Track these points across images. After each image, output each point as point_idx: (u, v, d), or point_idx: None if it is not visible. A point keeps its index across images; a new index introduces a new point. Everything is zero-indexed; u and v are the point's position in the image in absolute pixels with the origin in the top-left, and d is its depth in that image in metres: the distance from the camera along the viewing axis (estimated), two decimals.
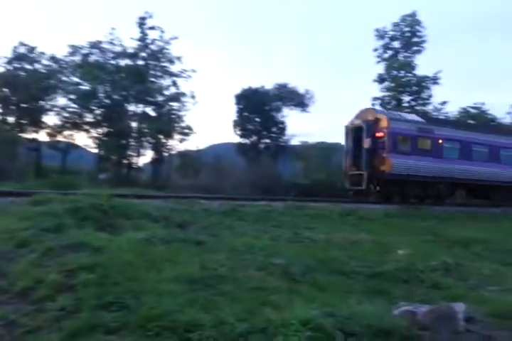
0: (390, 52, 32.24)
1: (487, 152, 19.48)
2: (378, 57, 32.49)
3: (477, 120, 34.19)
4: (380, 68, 32.33)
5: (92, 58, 29.12)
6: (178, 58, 30.24)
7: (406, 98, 32.17)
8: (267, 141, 36.38)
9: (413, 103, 32.21)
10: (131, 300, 3.48)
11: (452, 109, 35.33)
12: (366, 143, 17.06)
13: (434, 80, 31.44)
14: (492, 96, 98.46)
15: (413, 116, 19.74)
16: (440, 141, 18.16)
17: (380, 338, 3.18)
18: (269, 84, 38.35)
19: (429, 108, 32.64)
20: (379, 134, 17.10)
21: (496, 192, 19.70)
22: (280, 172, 32.61)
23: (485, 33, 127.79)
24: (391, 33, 32.06)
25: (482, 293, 4.87)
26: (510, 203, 18.90)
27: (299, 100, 36.66)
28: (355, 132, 17.81)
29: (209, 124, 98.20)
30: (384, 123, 17.11)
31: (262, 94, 35.49)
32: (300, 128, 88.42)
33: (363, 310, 3.63)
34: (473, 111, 35.56)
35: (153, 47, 30.06)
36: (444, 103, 32.63)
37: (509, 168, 19.86)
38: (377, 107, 29.40)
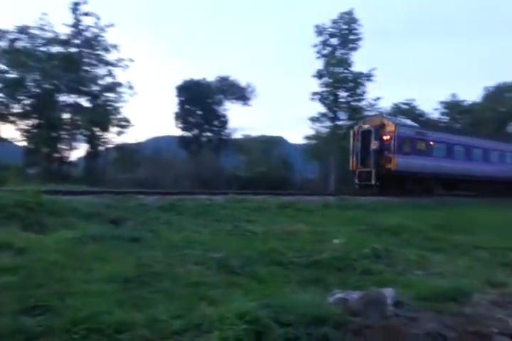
0: (328, 49, 33.17)
1: (463, 151, 23.01)
2: (317, 53, 33.34)
3: (407, 115, 36.30)
4: (319, 64, 33.24)
5: (20, 44, 26.99)
6: (115, 46, 28.97)
7: (343, 93, 33.37)
8: (209, 134, 36.14)
9: (349, 99, 33.48)
10: (57, 303, 3.26)
11: (385, 105, 37.32)
12: (374, 144, 19.72)
13: (368, 77, 32.88)
14: (422, 93, 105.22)
15: (410, 122, 23.06)
16: (432, 143, 21.28)
17: (315, 326, 3.24)
18: (210, 76, 38.14)
19: (364, 103, 34.13)
20: (386, 137, 19.80)
21: (471, 184, 23.06)
22: (222, 165, 32.51)
23: (419, 34, 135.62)
24: (330, 29, 32.98)
25: (409, 277, 5.14)
26: (482, 193, 22.24)
27: (240, 93, 36.73)
28: (363, 135, 20.37)
29: (149, 117, 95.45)
30: (391, 128, 19.90)
31: (203, 86, 35.09)
32: (242, 121, 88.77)
33: (299, 299, 3.68)
34: (404, 106, 37.71)
35: (87, 34, 28.51)
36: (377, 99, 34.30)
37: (480, 165, 23.39)
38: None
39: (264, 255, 5.72)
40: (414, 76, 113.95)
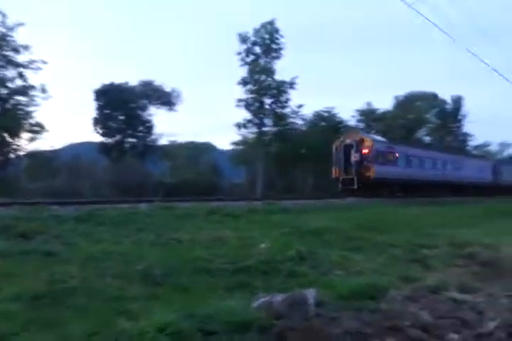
0: (252, 57, 33.78)
1: (418, 160, 28.07)
2: (241, 60, 33.81)
3: (327, 122, 38.10)
4: (244, 71, 33.72)
5: None
6: (25, 47, 26.86)
7: (267, 100, 34.16)
8: (133, 140, 34.87)
9: (274, 106, 34.36)
10: None
11: (308, 112, 38.83)
12: (356, 156, 23.65)
13: (291, 85, 34.01)
14: (341, 101, 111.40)
15: (381, 138, 27.87)
16: (397, 155, 25.99)
17: (239, 332, 3.20)
18: (133, 80, 36.83)
19: (288, 110, 35.20)
20: (365, 151, 23.86)
21: (425, 187, 27.65)
22: (147, 172, 31.53)
23: (337, 45, 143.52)
24: (252, 38, 33.61)
25: (332, 277, 5.31)
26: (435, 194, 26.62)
27: (165, 99, 35.95)
28: (345, 148, 24.36)
29: (66, 122, 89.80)
30: (369, 143, 24.21)
31: (125, 90, 33.79)
32: (168, 127, 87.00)
33: (224, 306, 3.62)
34: (324, 114, 39.52)
35: None
36: (300, 106, 35.58)
37: (431, 171, 28.74)
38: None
39: (190, 263, 5.58)
40: (334, 85, 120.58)
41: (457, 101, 48.37)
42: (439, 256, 6.59)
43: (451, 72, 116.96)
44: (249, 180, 37.35)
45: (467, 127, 49.45)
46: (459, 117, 48.61)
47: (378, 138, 27.31)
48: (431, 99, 47.03)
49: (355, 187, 23.31)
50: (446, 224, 11.45)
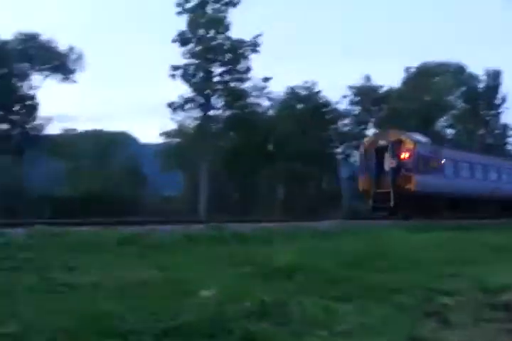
0: (194, 1, 33.87)
1: (468, 169, 31.06)
2: (179, 6, 33.79)
3: (307, 103, 38.78)
4: (183, 23, 33.74)
5: None
6: None
7: (217, 69, 34.31)
8: (4, 126, 34.33)
9: (227, 77, 34.53)
10: None
11: (277, 89, 39.37)
12: (392, 163, 25.84)
13: (253, 47, 34.35)
14: (329, 74, 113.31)
15: (425, 138, 30.26)
16: (444, 161, 28.69)
17: None
18: (6, 33, 35.92)
19: (248, 85, 35.58)
20: (404, 155, 26.20)
21: (474, 205, 30.28)
22: (26, 178, 31.08)
23: None
24: None
25: (308, 340, 5.45)
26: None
27: (58, 62, 35.54)
28: (377, 152, 26.80)
29: None
30: (410, 145, 26.54)
31: None
32: (62, 107, 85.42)
33: None
34: (303, 92, 40.22)
35: None
36: (267, 79, 35.99)
37: (484, 183, 31.68)
38: None
39: (91, 322, 5.55)
40: (317, 50, 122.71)
41: (494, 78, 50.43)
42: (464, 307, 6.87)
43: (486, 34, 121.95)
44: (188, 192, 37.41)
45: (507, 115, 51.74)
46: (496, 101, 50.69)
47: (421, 138, 29.71)
48: (456, 74, 48.82)
49: (392, 204, 25.00)
50: (476, 258, 11.94)
